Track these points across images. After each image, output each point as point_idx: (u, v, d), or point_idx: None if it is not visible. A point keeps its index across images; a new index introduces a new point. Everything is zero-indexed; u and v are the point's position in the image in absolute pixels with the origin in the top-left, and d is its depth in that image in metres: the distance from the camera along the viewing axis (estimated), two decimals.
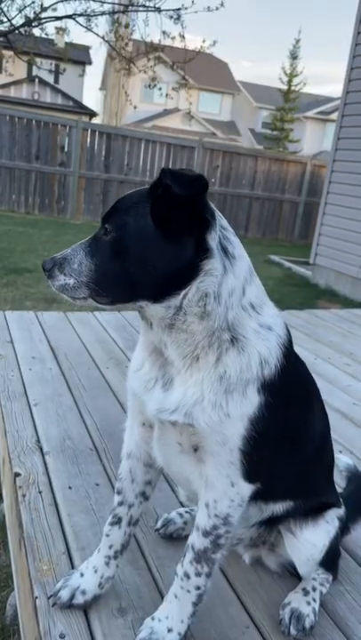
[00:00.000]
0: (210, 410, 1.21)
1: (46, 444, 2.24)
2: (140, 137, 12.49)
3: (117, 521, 1.49)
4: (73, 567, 1.61)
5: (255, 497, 1.34)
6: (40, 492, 1.93)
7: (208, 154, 12.82)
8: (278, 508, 1.48)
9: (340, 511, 1.60)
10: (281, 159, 13.90)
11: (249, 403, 1.22)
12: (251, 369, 1.21)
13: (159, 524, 1.80)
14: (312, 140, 34.31)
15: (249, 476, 1.28)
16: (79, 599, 1.46)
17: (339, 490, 2.06)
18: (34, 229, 9.86)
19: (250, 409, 1.22)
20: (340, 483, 2.19)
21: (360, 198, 7.37)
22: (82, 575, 1.50)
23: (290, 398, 1.33)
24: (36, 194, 11.65)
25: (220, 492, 1.27)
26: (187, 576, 1.34)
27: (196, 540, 1.32)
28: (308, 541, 1.50)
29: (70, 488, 1.98)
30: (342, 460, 2.30)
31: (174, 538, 1.77)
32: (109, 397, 2.72)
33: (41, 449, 2.20)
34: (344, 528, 1.77)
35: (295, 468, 1.44)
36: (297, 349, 4.11)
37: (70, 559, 1.66)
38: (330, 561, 1.56)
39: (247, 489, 1.30)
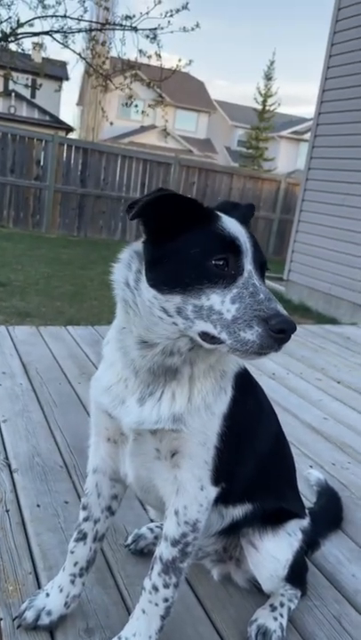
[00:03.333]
0: (203, 411, 1.25)
1: (15, 461, 2.20)
2: (116, 152, 12.55)
3: (83, 537, 1.47)
4: (40, 587, 1.58)
5: (216, 500, 1.36)
6: (7, 511, 1.89)
7: (184, 170, 12.95)
8: (238, 512, 1.49)
9: (304, 523, 1.61)
10: (256, 177, 14.14)
11: (226, 398, 1.29)
12: (238, 362, 1.30)
13: (129, 539, 1.79)
14: (286, 158, 34.99)
15: (216, 476, 1.31)
16: (45, 620, 1.43)
17: (309, 504, 2.08)
18: (8, 243, 9.77)
19: (225, 405, 1.29)
20: (310, 498, 2.21)
21: (332, 216, 7.53)
22: (47, 595, 1.47)
23: (248, 393, 1.39)
24: (11, 207, 11.57)
25: (191, 496, 1.29)
26: (155, 589, 1.33)
27: (164, 550, 1.33)
28: (269, 554, 1.50)
29: (39, 506, 1.94)
30: (313, 474, 2.31)
31: (145, 553, 1.76)
32: (80, 413, 2.69)
33: (9, 466, 2.16)
34: (313, 543, 1.78)
35: (252, 465, 1.46)
36: (269, 364, 4.14)
37: (37, 579, 1.62)
38: (297, 576, 1.56)
39: (214, 492, 1.33)
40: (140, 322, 1.20)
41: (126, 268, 1.22)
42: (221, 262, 1.10)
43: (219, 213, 1.18)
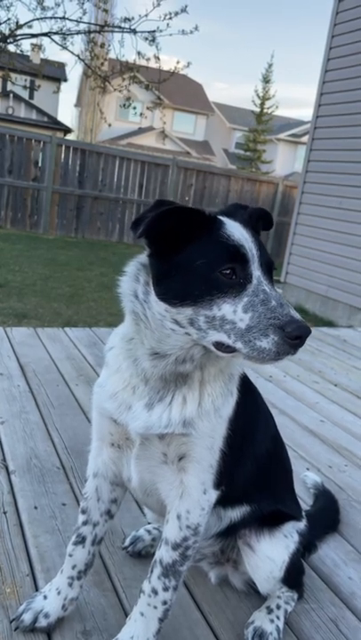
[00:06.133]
0: (212, 415, 1.26)
1: (12, 463, 2.20)
2: (114, 154, 12.55)
3: (81, 540, 1.47)
4: (37, 589, 1.58)
5: (215, 502, 1.36)
6: (5, 513, 1.89)
7: (182, 172, 12.96)
8: (235, 514, 1.50)
9: (300, 525, 1.61)
10: (253, 179, 14.16)
11: (232, 401, 1.30)
12: (242, 365, 1.30)
13: (127, 541, 1.79)
14: (284, 161, 35.05)
15: (218, 479, 1.32)
16: (42, 622, 1.44)
17: (306, 507, 2.09)
18: (5, 243, 9.76)
19: (231, 408, 1.30)
20: (307, 500, 2.22)
21: (329, 219, 7.55)
22: (45, 597, 1.48)
23: (248, 395, 1.40)
24: (9, 208, 11.55)
25: (194, 500, 1.30)
26: (154, 592, 1.33)
27: (164, 554, 1.33)
28: (266, 556, 1.51)
29: (36, 508, 1.94)
30: (310, 477, 2.32)
31: (143, 555, 1.76)
32: (78, 415, 2.69)
33: (6, 468, 2.16)
34: (310, 545, 1.78)
35: (250, 468, 1.46)
36: (267, 367, 4.14)
37: (35, 581, 1.62)
38: (293, 578, 1.57)
39: (215, 495, 1.34)
40: (152, 335, 1.19)
41: (134, 281, 1.21)
42: (229, 272, 1.09)
43: (222, 219, 1.17)
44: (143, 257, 1.22)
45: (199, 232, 1.12)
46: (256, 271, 1.11)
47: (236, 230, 1.14)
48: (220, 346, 1.13)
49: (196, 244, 1.11)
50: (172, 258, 1.12)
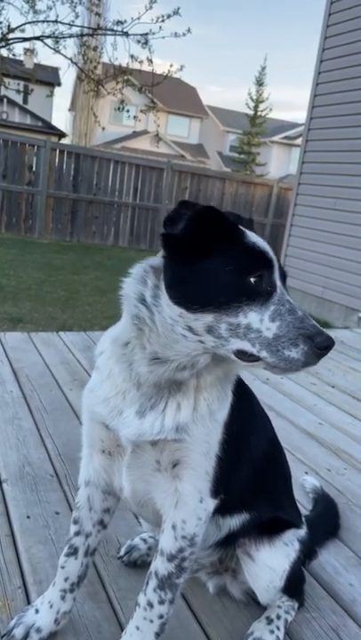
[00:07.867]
0: (208, 419, 1.21)
1: (4, 471, 2.15)
2: (108, 157, 12.53)
3: (74, 552, 1.42)
4: (29, 602, 1.53)
5: (213, 510, 1.32)
6: None
7: (177, 175, 12.95)
8: (234, 522, 1.46)
9: (301, 532, 1.57)
10: (248, 182, 14.16)
11: (227, 404, 1.26)
12: (238, 367, 1.24)
13: (123, 551, 1.74)
14: (279, 163, 35.14)
15: (215, 488, 1.28)
16: (34, 637, 1.39)
17: (305, 512, 2.04)
18: (0, 248, 9.72)
19: (226, 411, 1.26)
20: (306, 505, 2.18)
21: (324, 220, 7.54)
22: (37, 611, 1.43)
23: (243, 399, 1.36)
24: (3, 212, 11.50)
25: (190, 509, 1.25)
26: (150, 605, 1.29)
27: (160, 565, 1.28)
28: (266, 565, 1.46)
29: (29, 517, 1.90)
30: (309, 481, 2.28)
31: (138, 565, 1.72)
32: (72, 420, 2.65)
33: None
34: (310, 552, 1.74)
35: (248, 473, 1.41)
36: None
37: (27, 594, 1.58)
38: (294, 587, 1.53)
39: (212, 504, 1.29)
40: (158, 339, 1.14)
41: (140, 284, 1.16)
42: (258, 279, 1.07)
43: (241, 227, 1.14)
44: (153, 259, 1.17)
45: (228, 237, 1.09)
46: (278, 280, 1.11)
47: (258, 239, 1.13)
48: (241, 354, 1.09)
49: (223, 248, 1.08)
50: (195, 262, 1.08)
